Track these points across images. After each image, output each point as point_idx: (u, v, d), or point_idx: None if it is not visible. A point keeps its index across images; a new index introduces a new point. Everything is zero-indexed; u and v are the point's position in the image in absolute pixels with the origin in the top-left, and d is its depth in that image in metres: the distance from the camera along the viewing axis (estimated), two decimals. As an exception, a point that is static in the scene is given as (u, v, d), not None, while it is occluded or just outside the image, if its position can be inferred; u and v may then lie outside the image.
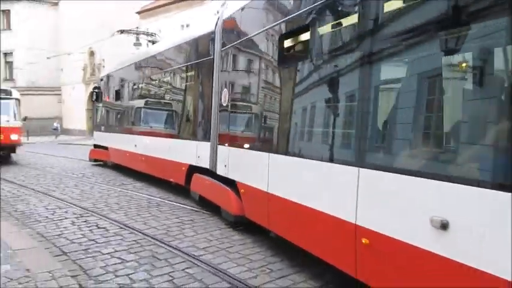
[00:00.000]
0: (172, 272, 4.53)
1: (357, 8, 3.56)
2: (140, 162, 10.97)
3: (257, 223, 5.61)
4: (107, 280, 4.27)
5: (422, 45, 3.00)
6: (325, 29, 4.10)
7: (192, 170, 8.06)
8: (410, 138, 3.08)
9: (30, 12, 30.98)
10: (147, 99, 11.19)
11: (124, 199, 8.64)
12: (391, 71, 3.34)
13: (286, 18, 4.87)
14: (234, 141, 6.33)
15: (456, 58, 2.76)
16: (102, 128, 15.16)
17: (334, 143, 3.92)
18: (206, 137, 7.44)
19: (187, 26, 22.91)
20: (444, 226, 2.59)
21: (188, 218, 7.04)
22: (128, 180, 11.40)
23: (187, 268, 4.64)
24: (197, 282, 4.24)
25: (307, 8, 4.32)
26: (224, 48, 6.74)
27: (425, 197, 2.79)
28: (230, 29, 6.65)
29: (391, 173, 3.07)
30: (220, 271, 4.54)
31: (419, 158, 2.95)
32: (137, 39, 23.45)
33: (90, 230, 6.19)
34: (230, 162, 6.36)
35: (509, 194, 2.22)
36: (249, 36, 5.85)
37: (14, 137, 15.11)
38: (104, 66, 26.50)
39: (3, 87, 17.11)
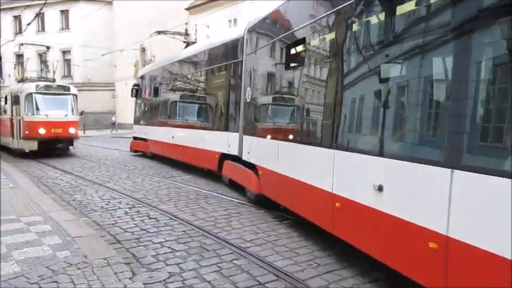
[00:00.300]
0: (220, 262, 4.61)
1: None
2: (177, 152, 12.13)
3: (271, 199, 6.79)
4: (158, 268, 4.42)
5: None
6: (315, 43, 5.37)
7: (223, 157, 9.21)
8: (361, 127, 4.34)
9: (86, 12, 32.40)
10: (183, 95, 12.42)
11: (173, 191, 8.89)
12: (343, 80, 4.57)
13: (290, 32, 6.04)
14: (255, 132, 7.48)
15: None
16: (141, 122, 16.44)
17: (317, 131, 5.30)
18: (235, 128, 8.51)
19: (235, 20, 23.09)
20: (380, 188, 3.68)
21: (235, 210, 7.13)
22: (177, 172, 11.71)
23: (234, 259, 4.71)
24: (244, 274, 4.30)
25: (305, 24, 5.50)
26: (248, 53, 7.98)
27: (370, 168, 3.91)
28: (253, 37, 7.83)
29: (352, 152, 4.25)
30: (267, 263, 4.57)
31: (366, 141, 4.17)
32: (186, 34, 23.94)
33: (142, 220, 6.43)
34: (252, 149, 7.60)
35: (426, 166, 3.16)
36: (265, 44, 7.14)
37: (71, 130, 15.95)
38: (154, 62, 27.28)
39: (62, 83, 18.11)
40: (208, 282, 4.09)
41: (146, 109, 16.30)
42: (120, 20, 35.84)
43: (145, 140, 15.66)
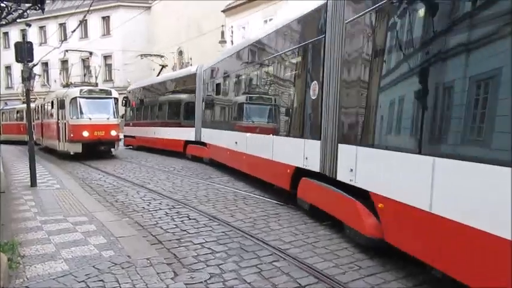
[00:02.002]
0: (260, 264, 4.61)
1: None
2: (157, 143, 18.40)
3: (213, 159, 13.07)
4: (199, 269, 4.47)
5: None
6: (221, 86, 12.34)
7: (186, 143, 15.76)
8: (236, 121, 10.57)
9: (125, 18, 33.31)
10: (159, 105, 18.73)
11: (212, 192, 8.98)
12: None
13: (214, 78, 13.18)
14: (205, 125, 13.94)
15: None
16: (130, 124, 22.39)
17: (223, 123, 11.91)
18: (193, 124, 14.91)
19: (271, 20, 23.12)
20: (236, 143, 10.36)
21: (273, 211, 7.11)
22: (215, 173, 11.83)
23: (274, 261, 4.69)
24: (284, 276, 4.27)
25: (219, 76, 12.67)
26: (201, 83, 14.60)
27: (233, 136, 10.56)
28: (203, 74, 14.52)
29: (232, 131, 10.61)
30: (307, 265, 4.53)
31: (232, 125, 10.75)
32: (222, 36, 24.20)
33: (182, 221, 6.53)
34: (204, 135, 14.02)
35: (242, 133, 9.93)
36: (208, 81, 13.71)
37: (113, 133, 16.41)
38: (191, 65, 27.70)
39: (103, 87, 18.67)
40: (249, 283, 4.09)
41: (134, 114, 22.07)
42: (158, 24, 36.64)
43: (133, 137, 21.75)
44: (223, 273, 4.36)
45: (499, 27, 3.02)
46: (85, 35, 39.20)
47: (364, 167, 4.87)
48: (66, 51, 18.59)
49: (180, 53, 34.07)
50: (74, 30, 13.36)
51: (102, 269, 4.32)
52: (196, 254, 4.95)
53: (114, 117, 16.61)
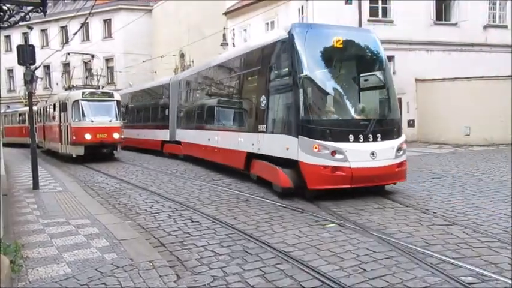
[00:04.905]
0: (264, 267, 4.57)
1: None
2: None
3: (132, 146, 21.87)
4: (202, 272, 4.43)
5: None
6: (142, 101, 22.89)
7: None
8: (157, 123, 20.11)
9: (127, 21, 33.36)
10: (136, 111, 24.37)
11: (215, 194, 8.94)
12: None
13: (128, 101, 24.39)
14: (127, 127, 22.15)
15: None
16: None
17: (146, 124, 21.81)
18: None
19: (272, 23, 23.12)
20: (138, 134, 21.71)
21: (277, 214, 7.07)
22: (218, 176, 11.80)
23: (277, 264, 4.65)
24: (288, 279, 4.23)
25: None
26: (125, 103, 23.68)
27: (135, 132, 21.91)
28: (124, 97, 22.69)
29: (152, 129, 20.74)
30: (311, 268, 4.48)
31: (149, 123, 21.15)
32: (224, 39, 24.19)
33: (185, 224, 6.50)
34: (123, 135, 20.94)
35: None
36: (127, 102, 24.32)
37: (115, 135, 16.41)
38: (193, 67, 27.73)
39: (106, 90, 18.69)
40: (252, 286, 4.05)
41: None
42: (159, 26, 36.65)
43: None
44: (226, 276, 4.33)
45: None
46: (86, 37, 39.25)
47: (180, 134, 16.26)
48: (68, 54, 18.65)
49: (182, 55, 34.08)
50: (76, 33, 13.39)
51: (105, 272, 4.29)
52: (199, 257, 4.92)
53: (116, 120, 16.61)
